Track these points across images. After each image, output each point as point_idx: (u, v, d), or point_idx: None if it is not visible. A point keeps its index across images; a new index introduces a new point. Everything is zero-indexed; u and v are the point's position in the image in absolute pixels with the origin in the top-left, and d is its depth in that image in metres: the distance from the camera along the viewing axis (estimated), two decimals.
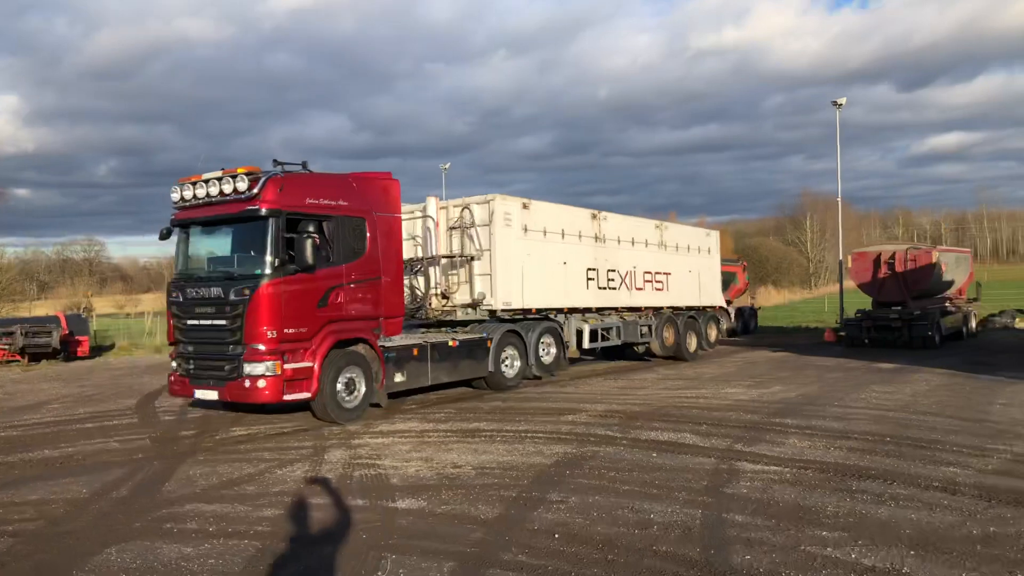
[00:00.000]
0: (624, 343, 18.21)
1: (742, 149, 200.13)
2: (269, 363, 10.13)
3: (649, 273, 18.84)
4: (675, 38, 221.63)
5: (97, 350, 26.74)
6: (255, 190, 10.31)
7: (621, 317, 17.86)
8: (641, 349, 19.55)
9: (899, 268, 23.86)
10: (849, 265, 25.18)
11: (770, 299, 56.64)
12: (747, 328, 31.99)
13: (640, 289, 18.44)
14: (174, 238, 11.53)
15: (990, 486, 6.89)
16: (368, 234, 11.48)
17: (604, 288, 17.16)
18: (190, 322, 10.87)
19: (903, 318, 22.92)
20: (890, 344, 23.00)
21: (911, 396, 12.63)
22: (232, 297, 10.29)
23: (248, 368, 10.17)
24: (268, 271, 10.25)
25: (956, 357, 19.71)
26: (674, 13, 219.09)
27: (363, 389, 11.37)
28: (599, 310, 17.19)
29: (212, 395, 10.69)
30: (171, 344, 11.36)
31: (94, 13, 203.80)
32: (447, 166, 42.69)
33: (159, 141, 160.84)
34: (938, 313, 23.96)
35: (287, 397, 10.37)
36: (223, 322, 10.40)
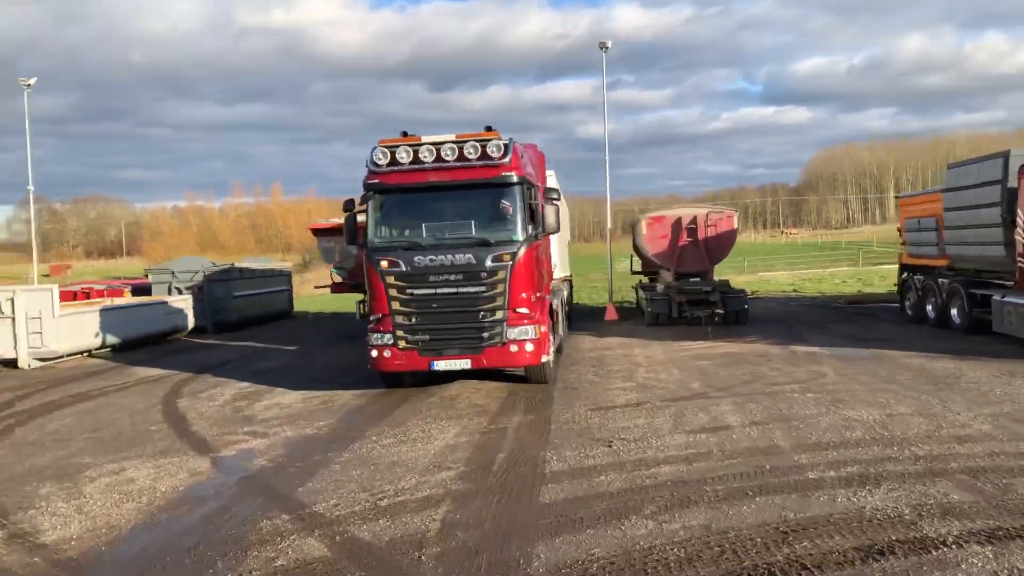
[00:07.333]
0: None
1: (290, 131, 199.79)
2: (535, 327, 10.49)
3: None
4: (220, 10, 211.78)
5: None
6: (506, 157, 10.38)
7: None
8: None
9: (700, 235, 21.11)
10: (644, 231, 21.86)
11: None
12: None
13: None
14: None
15: None
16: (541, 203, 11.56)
17: None
18: (420, 292, 10.48)
19: (719, 291, 20.18)
20: (694, 320, 20.00)
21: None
22: (490, 263, 10.31)
23: (515, 333, 10.39)
24: (523, 237, 10.51)
25: (826, 334, 17.17)
26: None
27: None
28: None
29: (461, 364, 10.60)
30: (364, 317, 11.15)
31: None
32: (31, 81, 28.68)
33: None
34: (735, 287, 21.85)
35: (543, 359, 10.76)
36: (478, 288, 10.38)
